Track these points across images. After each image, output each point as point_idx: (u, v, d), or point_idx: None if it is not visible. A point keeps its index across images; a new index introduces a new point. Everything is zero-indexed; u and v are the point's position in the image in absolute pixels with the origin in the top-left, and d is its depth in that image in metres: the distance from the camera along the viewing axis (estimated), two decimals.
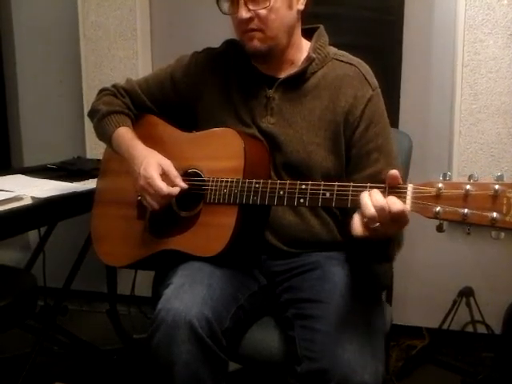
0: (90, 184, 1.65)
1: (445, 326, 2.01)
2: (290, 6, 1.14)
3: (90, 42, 2.17)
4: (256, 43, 1.13)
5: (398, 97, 1.99)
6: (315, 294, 1.10)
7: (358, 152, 1.15)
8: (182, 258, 1.16)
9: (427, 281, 2.09)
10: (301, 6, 1.16)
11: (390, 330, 1.32)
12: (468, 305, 1.98)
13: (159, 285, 1.19)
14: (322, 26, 1.24)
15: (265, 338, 1.17)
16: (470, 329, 2.01)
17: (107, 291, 2.02)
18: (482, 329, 2.00)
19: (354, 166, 1.16)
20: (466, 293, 1.99)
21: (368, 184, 0.94)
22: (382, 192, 0.90)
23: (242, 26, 1.13)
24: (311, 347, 1.02)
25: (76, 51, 2.20)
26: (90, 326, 2.28)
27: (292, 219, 1.19)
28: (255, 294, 1.20)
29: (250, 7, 1.10)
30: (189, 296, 1.05)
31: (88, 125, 2.17)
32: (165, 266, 1.21)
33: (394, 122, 1.92)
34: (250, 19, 1.11)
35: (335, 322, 1.03)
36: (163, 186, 1.14)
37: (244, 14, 1.11)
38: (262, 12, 1.10)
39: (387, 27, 1.96)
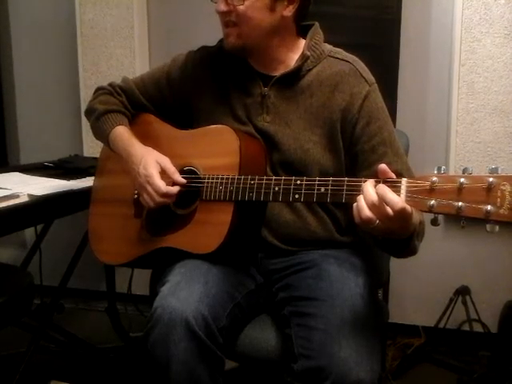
0: (86, 182, 1.65)
1: (441, 325, 2.02)
2: (273, 9, 1.13)
3: (87, 40, 2.17)
4: (231, 39, 1.15)
5: (396, 96, 1.99)
6: (312, 292, 1.10)
7: (362, 148, 1.15)
8: (179, 255, 1.16)
9: (424, 279, 2.10)
10: (287, 13, 1.14)
11: (387, 329, 1.32)
12: (464, 303, 1.99)
13: (156, 283, 1.18)
14: (316, 23, 1.23)
15: (261, 335, 1.17)
16: (466, 327, 2.01)
17: (106, 289, 2.02)
18: (478, 327, 2.00)
19: (362, 163, 1.15)
20: (463, 291, 1.99)
21: (362, 178, 0.93)
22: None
23: (221, 17, 1.15)
24: (307, 345, 1.02)
25: (73, 49, 2.20)
26: (86, 324, 2.28)
27: (289, 217, 1.19)
28: (252, 291, 1.20)
29: (229, 1, 1.11)
30: (185, 294, 1.05)
31: (85, 123, 2.16)
32: (162, 264, 1.21)
33: (391, 120, 1.92)
34: (228, 12, 1.13)
35: (331, 320, 1.03)
36: (162, 185, 1.14)
37: (222, 6, 1.13)
38: (240, 8, 1.11)
39: (385, 26, 1.97)
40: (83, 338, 1.99)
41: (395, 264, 1.48)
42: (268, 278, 1.23)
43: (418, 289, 2.11)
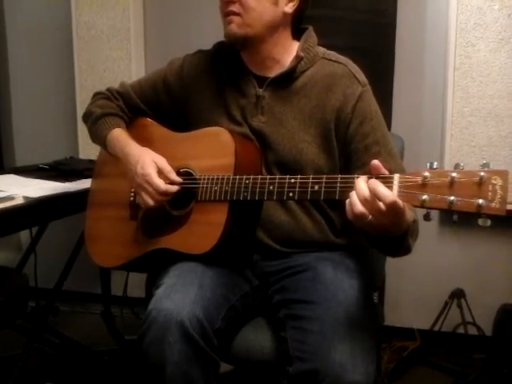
0: (82, 184, 1.64)
1: (436, 328, 2.02)
2: (276, 3, 1.15)
3: (83, 43, 2.17)
4: (233, 27, 1.15)
5: (391, 99, 2.00)
6: (307, 294, 1.10)
7: (355, 148, 1.16)
8: (175, 257, 1.17)
9: (419, 282, 2.10)
10: (288, 9, 1.18)
11: (382, 332, 1.32)
12: (459, 306, 1.99)
13: (152, 285, 1.18)
14: (310, 27, 1.25)
15: (257, 338, 1.17)
16: (461, 330, 2.02)
17: (101, 293, 2.02)
18: (472, 330, 2.01)
19: (356, 163, 1.16)
20: (458, 294, 2.00)
21: (355, 175, 0.94)
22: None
23: (224, 7, 1.16)
24: (303, 348, 1.02)
25: (69, 51, 2.20)
26: (81, 326, 2.27)
27: (284, 218, 1.20)
28: (247, 294, 1.20)
29: None
30: (180, 296, 1.05)
31: (81, 125, 2.16)
32: (157, 266, 1.21)
33: (387, 124, 1.93)
34: (232, 2, 1.14)
35: (327, 323, 1.03)
36: (160, 183, 1.15)
37: None
38: None
39: (380, 30, 1.98)
40: (78, 340, 1.98)
41: (390, 267, 1.48)
42: (263, 280, 1.23)
43: (414, 292, 2.11)
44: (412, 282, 2.11)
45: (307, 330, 1.03)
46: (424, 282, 2.09)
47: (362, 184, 0.88)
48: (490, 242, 2.00)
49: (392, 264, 1.43)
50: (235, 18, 1.14)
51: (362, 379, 0.98)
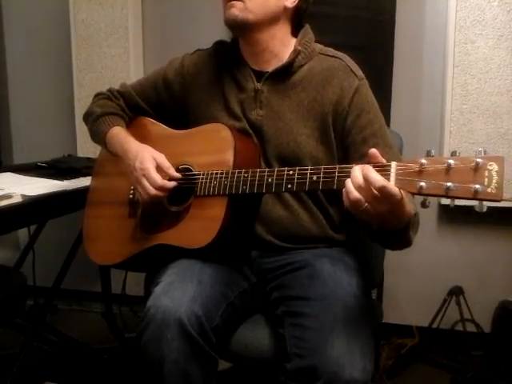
0: (80, 182, 1.64)
1: (435, 325, 2.02)
2: None
3: (81, 40, 2.16)
4: (234, 11, 1.15)
5: (390, 97, 2.00)
6: (305, 291, 1.10)
7: (353, 140, 1.16)
8: (173, 254, 1.17)
9: (417, 279, 2.10)
10: (289, 4, 1.19)
11: (381, 329, 1.32)
12: (458, 303, 1.99)
13: (150, 283, 1.18)
14: (307, 25, 1.26)
15: (255, 335, 1.17)
16: (459, 327, 2.02)
17: (101, 291, 2.02)
18: (471, 327, 2.01)
19: (354, 155, 1.16)
20: (456, 292, 2.00)
21: (353, 165, 0.93)
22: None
23: None
24: (301, 344, 1.02)
25: (67, 49, 2.19)
26: (80, 325, 2.27)
27: (282, 213, 1.20)
28: (245, 291, 1.20)
29: None
30: (178, 293, 1.05)
31: (79, 122, 2.16)
32: (155, 264, 1.21)
33: (385, 121, 1.93)
34: None
35: (325, 320, 1.03)
36: (157, 178, 1.15)
37: None
38: None
39: (379, 27, 1.97)
40: (77, 338, 1.98)
41: (389, 264, 1.48)
42: (261, 277, 1.24)
43: (412, 289, 2.11)
44: (410, 279, 2.11)
45: (305, 327, 1.03)
46: (422, 279, 2.10)
47: (356, 171, 0.89)
48: (489, 239, 2.00)
49: (391, 261, 1.43)
50: (237, 3, 1.15)
51: (359, 376, 0.98)
